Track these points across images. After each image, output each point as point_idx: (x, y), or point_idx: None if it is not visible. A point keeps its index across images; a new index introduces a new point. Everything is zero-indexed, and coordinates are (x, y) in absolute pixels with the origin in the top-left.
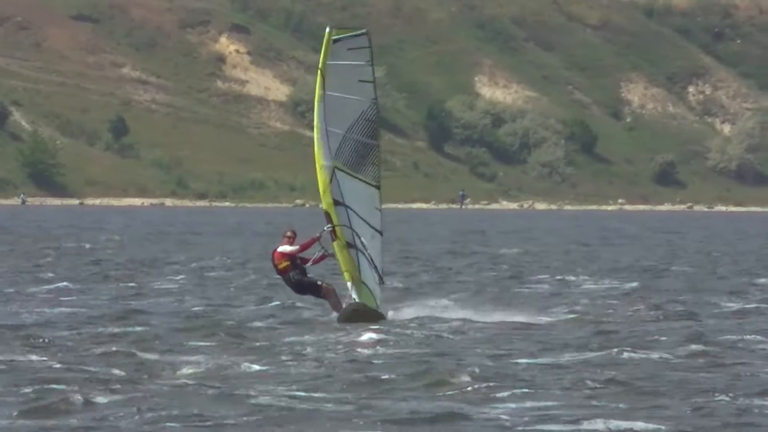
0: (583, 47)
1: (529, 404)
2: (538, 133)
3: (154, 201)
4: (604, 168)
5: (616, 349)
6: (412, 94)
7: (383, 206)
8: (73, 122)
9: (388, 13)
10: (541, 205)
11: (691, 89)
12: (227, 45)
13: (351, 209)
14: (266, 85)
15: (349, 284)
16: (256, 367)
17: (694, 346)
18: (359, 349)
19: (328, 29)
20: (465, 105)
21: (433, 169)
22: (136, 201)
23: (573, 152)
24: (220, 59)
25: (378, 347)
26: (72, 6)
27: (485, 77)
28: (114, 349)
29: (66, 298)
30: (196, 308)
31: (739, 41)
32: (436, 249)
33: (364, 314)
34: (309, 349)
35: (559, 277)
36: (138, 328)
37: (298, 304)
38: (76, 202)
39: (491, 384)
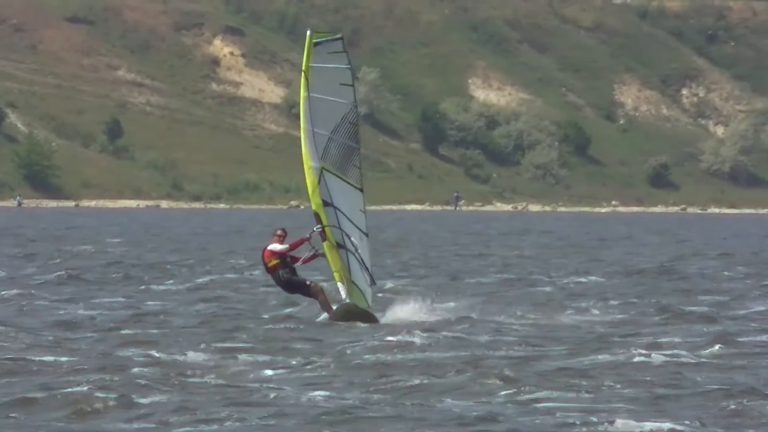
0: (576, 49)
1: (558, 405)
2: (532, 135)
3: (150, 203)
4: (598, 170)
5: (636, 350)
6: (405, 96)
7: (375, 207)
8: (68, 124)
9: (380, 15)
10: (535, 207)
11: (684, 91)
12: (221, 47)
13: (339, 210)
14: (260, 87)
15: (339, 285)
16: (281, 370)
17: (718, 347)
18: (385, 352)
19: (309, 32)
20: (459, 107)
21: (427, 171)
22: (132, 203)
23: (567, 154)
24: (215, 61)
25: (404, 350)
26: (67, 8)
27: (479, 79)
28: (137, 350)
29: (90, 300)
30: (216, 310)
31: (732, 43)
32: (443, 251)
33: (356, 315)
34: (332, 351)
35: (573, 279)
36: (158, 330)
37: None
38: (71, 204)
39: (521, 386)
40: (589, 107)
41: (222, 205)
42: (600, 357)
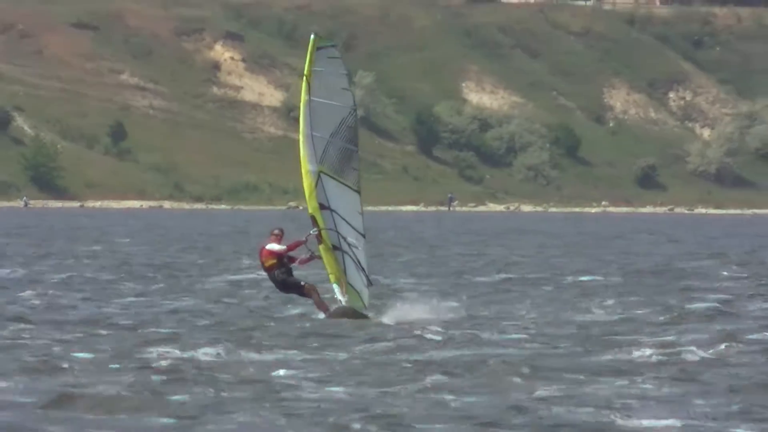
0: (567, 54)
1: (573, 402)
2: (524, 138)
3: (153, 203)
4: (588, 171)
5: (646, 348)
6: (400, 99)
7: (371, 208)
8: (73, 127)
9: (376, 20)
10: (527, 207)
11: (671, 95)
12: (222, 52)
13: (336, 213)
14: (260, 91)
15: (334, 286)
16: (298, 368)
17: (724, 346)
18: (399, 351)
19: (312, 36)
20: (453, 110)
21: (422, 173)
22: (135, 203)
23: (558, 156)
24: (215, 66)
25: (418, 348)
26: (72, 14)
27: (472, 83)
28: (169, 349)
29: (109, 300)
30: (233, 308)
31: (718, 49)
32: (446, 251)
33: (351, 317)
34: (348, 348)
35: (590, 277)
36: (178, 328)
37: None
38: (76, 204)
39: (536, 383)
40: (579, 110)
41: (223, 206)
42: (611, 355)
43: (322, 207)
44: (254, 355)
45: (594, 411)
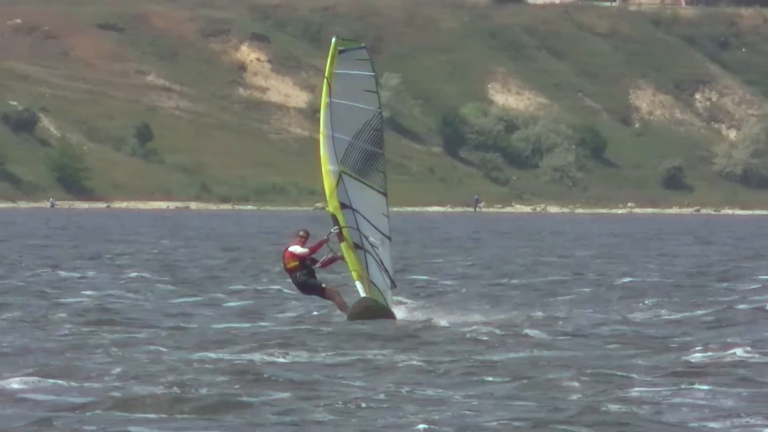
0: (592, 55)
1: (637, 404)
2: (550, 139)
3: (179, 204)
4: (614, 172)
5: (703, 349)
6: (427, 101)
7: (397, 209)
8: (99, 128)
9: (402, 22)
10: (553, 209)
11: (697, 96)
12: (248, 53)
13: (358, 212)
14: (286, 92)
15: (357, 284)
16: (351, 367)
17: None
18: (457, 352)
19: (334, 39)
20: (479, 111)
21: (448, 174)
22: (162, 204)
23: (583, 157)
24: (242, 67)
25: (473, 349)
26: (98, 16)
27: (498, 84)
28: (240, 347)
29: (170, 300)
30: (298, 309)
31: (744, 50)
32: (487, 252)
33: (375, 311)
34: (408, 348)
35: (630, 279)
36: (265, 327)
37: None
38: (102, 205)
39: (601, 386)
40: (604, 111)
41: (249, 207)
42: (663, 356)
43: (344, 206)
44: (316, 355)
45: (647, 413)
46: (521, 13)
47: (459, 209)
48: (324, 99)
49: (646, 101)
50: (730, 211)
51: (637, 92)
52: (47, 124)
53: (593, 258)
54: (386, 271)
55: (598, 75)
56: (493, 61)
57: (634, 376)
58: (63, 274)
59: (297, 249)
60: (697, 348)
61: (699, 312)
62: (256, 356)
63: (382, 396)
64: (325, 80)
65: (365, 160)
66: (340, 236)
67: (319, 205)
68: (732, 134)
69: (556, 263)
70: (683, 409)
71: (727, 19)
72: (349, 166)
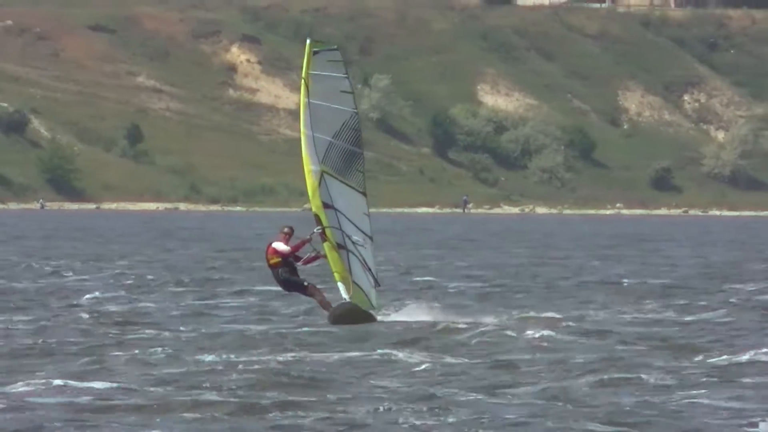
0: (582, 57)
1: (703, 401)
2: (539, 140)
3: (169, 205)
4: (603, 173)
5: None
6: (417, 102)
7: (387, 210)
8: (90, 129)
9: (393, 23)
10: (541, 209)
11: (686, 97)
12: (238, 55)
13: (340, 212)
14: (276, 93)
15: (339, 285)
16: (406, 369)
17: None
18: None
19: (308, 41)
20: (468, 113)
21: (437, 175)
22: (151, 205)
23: (572, 158)
24: (232, 68)
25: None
26: (89, 17)
27: (488, 86)
28: (290, 347)
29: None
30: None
31: (732, 51)
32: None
33: (356, 315)
34: (467, 348)
35: (642, 279)
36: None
37: (412, 303)
38: (93, 206)
39: (618, 387)
40: (593, 113)
41: (239, 208)
42: (692, 356)
43: (326, 206)
44: (371, 356)
45: (664, 414)
46: (511, 14)
47: (448, 210)
48: (303, 99)
49: (635, 102)
50: (718, 212)
51: (626, 93)
52: (38, 126)
53: (594, 259)
54: (369, 270)
55: (588, 76)
56: (483, 62)
57: (650, 377)
58: (70, 275)
59: (280, 246)
60: (712, 349)
61: (711, 314)
62: (277, 357)
63: (411, 396)
64: (303, 81)
65: (345, 160)
66: (323, 236)
67: (307, 206)
68: (720, 135)
69: (560, 264)
70: (700, 410)
71: (716, 21)
72: (329, 166)
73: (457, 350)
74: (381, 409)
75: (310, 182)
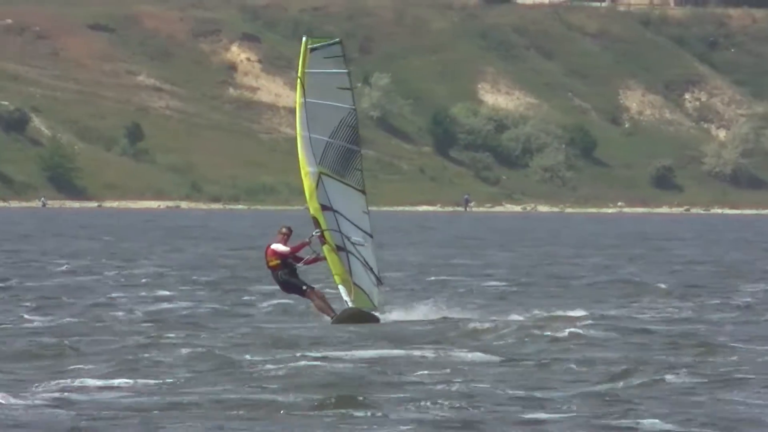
0: (582, 55)
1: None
2: (540, 139)
3: (170, 204)
4: (604, 172)
5: None
6: (417, 100)
7: (387, 209)
8: (90, 128)
9: (392, 22)
10: (543, 208)
11: (687, 96)
12: (238, 53)
13: (339, 213)
14: (276, 92)
15: (341, 288)
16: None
17: None
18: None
19: (304, 39)
20: (469, 111)
21: (438, 173)
22: (153, 204)
23: (573, 157)
24: (232, 67)
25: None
26: (88, 16)
27: (488, 84)
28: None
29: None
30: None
31: (733, 50)
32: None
33: (359, 318)
34: (509, 348)
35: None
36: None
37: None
38: (94, 204)
39: (648, 386)
40: (594, 111)
41: (240, 207)
42: (718, 356)
43: (324, 208)
44: (433, 354)
45: (696, 413)
46: (511, 13)
47: (449, 209)
48: (298, 99)
49: (636, 101)
50: (719, 211)
51: (626, 92)
52: (38, 124)
53: (605, 258)
54: (371, 269)
55: (588, 75)
56: (483, 61)
57: (681, 374)
58: (88, 274)
59: (279, 247)
60: (737, 347)
61: (730, 313)
62: (315, 355)
63: (450, 394)
64: (298, 80)
65: (343, 159)
66: (322, 239)
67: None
68: (721, 134)
69: (572, 263)
70: (737, 408)
71: (716, 20)
72: (327, 167)
73: (490, 348)
74: (422, 406)
75: (308, 184)
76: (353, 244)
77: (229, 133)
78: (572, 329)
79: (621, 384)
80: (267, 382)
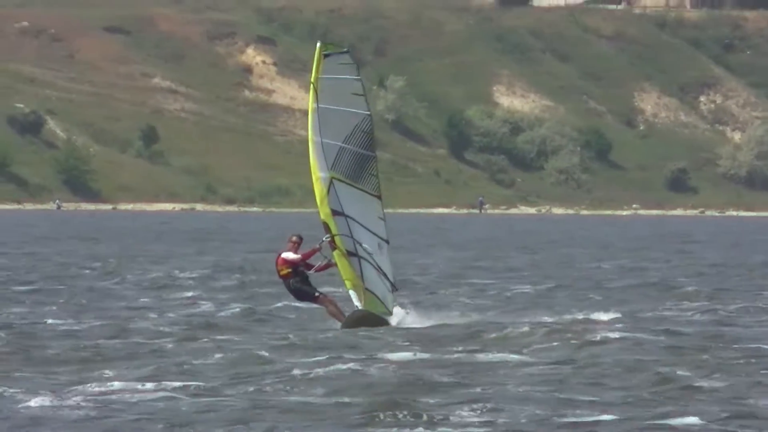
0: (597, 58)
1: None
2: (555, 141)
3: (185, 206)
4: (619, 174)
5: None
6: (432, 103)
7: (402, 211)
8: (105, 130)
9: (407, 25)
10: (558, 210)
11: (702, 98)
12: (254, 56)
13: (351, 218)
14: (291, 94)
15: (351, 293)
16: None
17: None
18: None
19: (318, 44)
20: (484, 114)
21: (453, 176)
22: (167, 206)
23: (588, 159)
24: (247, 70)
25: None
26: (104, 19)
27: (503, 87)
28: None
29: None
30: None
31: (748, 52)
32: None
33: (369, 321)
34: (558, 350)
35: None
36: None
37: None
38: (109, 207)
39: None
40: (609, 114)
41: (255, 209)
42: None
43: (336, 213)
44: (481, 355)
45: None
46: (526, 15)
47: (464, 211)
48: (311, 105)
49: (651, 103)
50: (734, 213)
51: (641, 95)
52: (53, 127)
53: (629, 260)
54: (385, 275)
55: (603, 77)
56: (498, 63)
57: (718, 378)
58: (119, 276)
59: (290, 255)
60: None
61: (765, 316)
62: (351, 357)
63: (509, 396)
64: (312, 85)
65: (357, 164)
66: (333, 244)
67: None
68: (736, 136)
69: (599, 266)
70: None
71: (732, 22)
72: (340, 172)
73: (525, 351)
74: (459, 409)
75: (319, 190)
76: (365, 250)
77: (244, 136)
78: (606, 332)
79: (658, 386)
80: (302, 386)
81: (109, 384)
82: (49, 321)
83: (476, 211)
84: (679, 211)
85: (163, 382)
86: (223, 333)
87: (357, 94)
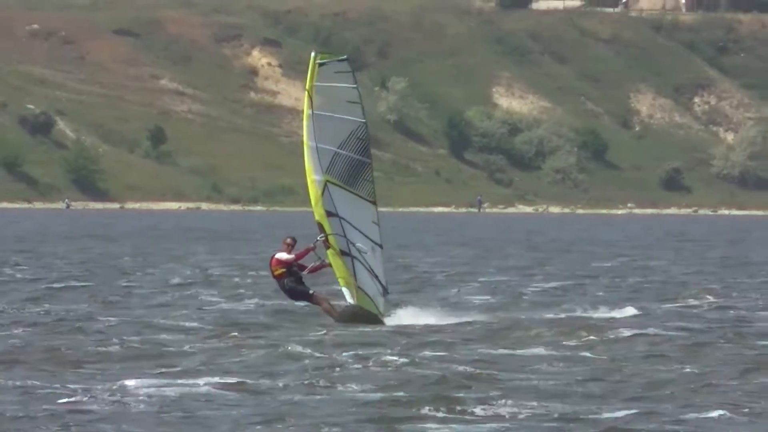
0: (594, 60)
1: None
2: (552, 142)
3: (191, 205)
4: (615, 174)
5: None
6: (433, 104)
7: (403, 210)
8: (114, 131)
9: (409, 27)
10: (555, 209)
11: (696, 100)
12: (259, 58)
13: (345, 220)
14: (297, 96)
15: (344, 290)
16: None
17: None
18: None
19: (312, 54)
20: (483, 115)
21: (453, 175)
22: (174, 205)
23: (585, 159)
24: (253, 72)
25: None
26: (113, 21)
27: (502, 88)
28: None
29: None
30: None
31: (742, 54)
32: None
33: (362, 317)
34: (584, 346)
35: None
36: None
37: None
38: (117, 206)
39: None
40: (606, 115)
41: (259, 208)
42: None
43: (330, 214)
44: (513, 355)
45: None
46: (526, 18)
47: (463, 210)
48: (306, 111)
49: (647, 105)
50: (726, 212)
51: (637, 96)
52: (63, 127)
53: (640, 258)
54: (377, 277)
55: (600, 79)
56: (498, 65)
57: (746, 371)
58: (139, 273)
59: (283, 255)
60: None
61: None
62: (410, 353)
63: (553, 392)
64: (306, 93)
65: (352, 170)
66: (327, 243)
67: None
68: (729, 137)
69: (609, 264)
70: None
71: (726, 25)
72: (335, 176)
73: (557, 347)
74: (502, 405)
75: (313, 191)
76: (358, 249)
77: (250, 136)
78: (631, 328)
79: (679, 381)
80: (348, 381)
81: (153, 380)
82: (76, 318)
83: (475, 210)
84: (673, 210)
85: (209, 378)
86: (263, 330)
87: (353, 102)
